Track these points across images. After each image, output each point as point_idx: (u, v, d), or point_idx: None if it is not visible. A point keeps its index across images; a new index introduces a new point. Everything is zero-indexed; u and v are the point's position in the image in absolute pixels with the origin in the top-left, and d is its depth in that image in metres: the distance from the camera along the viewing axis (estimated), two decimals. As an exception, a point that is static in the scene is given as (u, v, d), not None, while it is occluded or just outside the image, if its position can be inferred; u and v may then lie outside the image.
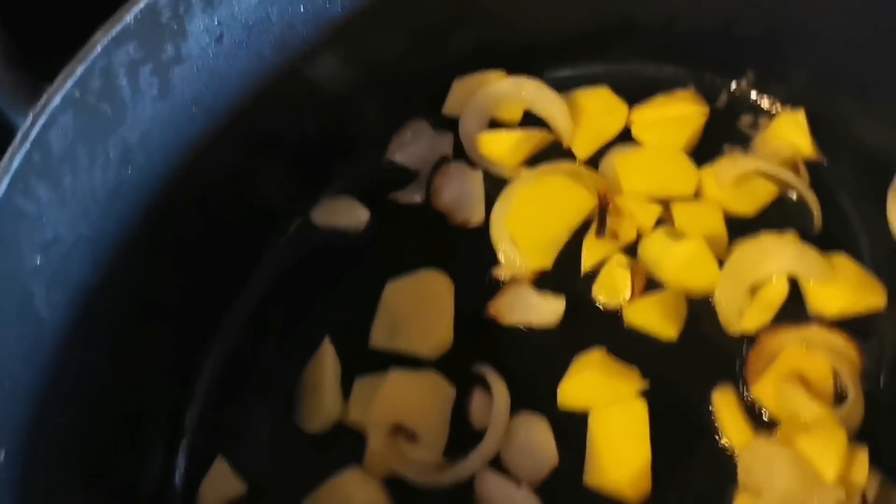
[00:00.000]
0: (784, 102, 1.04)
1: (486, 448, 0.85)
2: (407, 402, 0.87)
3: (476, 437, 0.87)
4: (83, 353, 0.77)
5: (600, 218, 0.96)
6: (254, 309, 0.97)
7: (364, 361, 0.92)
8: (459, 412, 0.89)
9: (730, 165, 0.97)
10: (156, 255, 0.84)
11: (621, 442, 0.85)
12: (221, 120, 0.85)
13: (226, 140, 0.87)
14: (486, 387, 0.89)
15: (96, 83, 0.71)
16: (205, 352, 0.94)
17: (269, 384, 0.93)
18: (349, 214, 1.02)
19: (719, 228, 0.95)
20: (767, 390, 0.86)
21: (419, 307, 0.94)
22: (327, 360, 0.91)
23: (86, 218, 0.73)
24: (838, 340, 0.87)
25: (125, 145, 0.75)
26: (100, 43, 0.70)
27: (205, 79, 0.81)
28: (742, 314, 0.91)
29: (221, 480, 0.87)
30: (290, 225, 1.02)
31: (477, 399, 0.89)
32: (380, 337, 0.93)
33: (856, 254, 0.93)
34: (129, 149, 0.75)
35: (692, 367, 0.90)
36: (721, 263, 0.92)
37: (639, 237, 0.97)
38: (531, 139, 1.02)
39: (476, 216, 1.00)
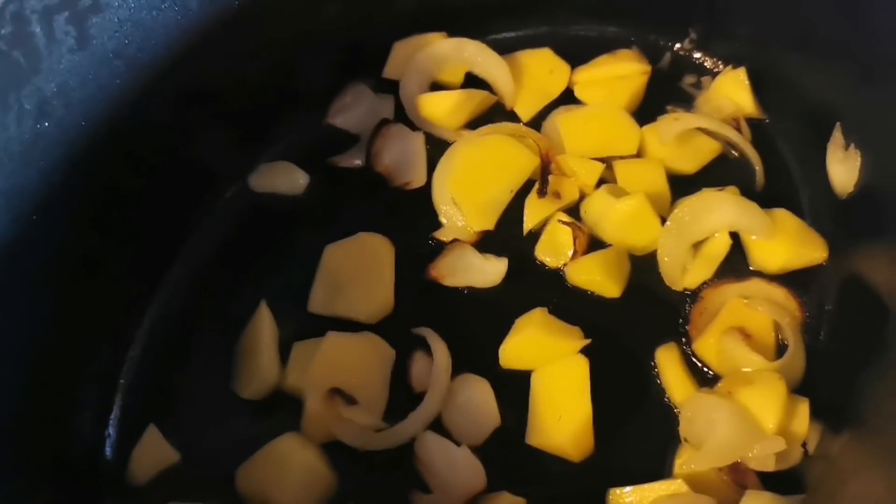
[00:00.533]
0: (726, 61, 1.04)
1: (426, 410, 0.84)
2: (345, 364, 0.85)
3: (417, 399, 0.85)
4: (6, 312, 0.73)
5: (542, 178, 0.95)
6: (190, 273, 0.95)
7: (304, 327, 0.90)
8: (400, 376, 0.87)
9: (671, 123, 0.97)
10: (84, 211, 0.81)
11: (563, 400, 0.84)
12: (148, 75, 0.82)
13: (155, 96, 0.84)
14: (428, 350, 0.87)
15: (7, 29, 0.68)
16: (139, 315, 0.91)
17: (205, 350, 0.90)
18: (288, 178, 1.00)
19: (662, 186, 0.95)
20: (710, 345, 0.85)
21: (359, 271, 0.92)
22: (264, 324, 0.89)
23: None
24: (779, 294, 0.87)
25: (41, 96, 0.72)
26: (9, -13, 0.67)
27: (127, 30, 0.78)
28: (685, 270, 0.90)
29: (154, 449, 0.84)
30: (227, 188, 1.00)
31: (418, 362, 0.88)
32: (319, 302, 0.91)
33: (797, 208, 0.93)
34: (46, 100, 0.72)
35: (636, 325, 0.89)
36: (664, 221, 0.91)
37: (581, 197, 0.96)
38: (472, 100, 1.01)
39: (417, 179, 0.99)
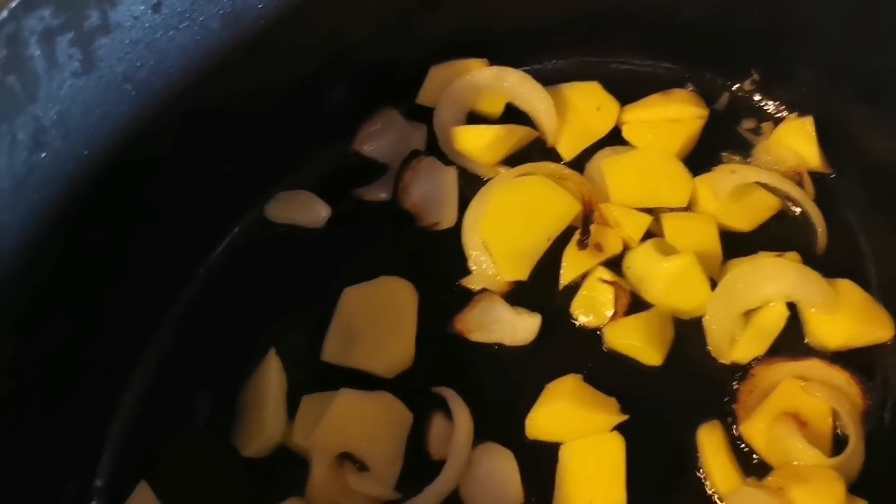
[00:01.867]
0: (790, 107, 0.97)
1: (443, 483, 0.77)
2: (357, 427, 0.79)
3: (434, 468, 0.79)
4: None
5: (584, 227, 0.89)
6: (194, 311, 0.89)
7: (314, 376, 0.84)
8: (417, 439, 0.81)
9: (727, 175, 0.90)
10: (79, 249, 0.75)
11: (594, 480, 0.78)
12: (160, 99, 0.76)
13: (165, 122, 0.78)
14: (448, 412, 0.81)
15: (1, 52, 0.61)
16: (134, 360, 0.85)
17: (204, 400, 0.84)
18: (308, 210, 0.94)
19: (713, 244, 0.88)
20: (759, 430, 0.78)
21: (378, 318, 0.86)
22: (272, 375, 0.83)
23: (-16, 209, 0.64)
24: (840, 378, 0.80)
25: (38, 126, 0.66)
26: (6, 7, 0.60)
27: (139, 52, 0.72)
28: (734, 342, 0.83)
29: (144, 508, 0.78)
30: (240, 219, 0.93)
31: (436, 425, 0.81)
32: (333, 350, 0.85)
33: (862, 279, 0.86)
34: (43, 130, 0.66)
35: (677, 398, 0.83)
36: (713, 284, 0.85)
37: (625, 250, 0.89)
38: (512, 135, 0.94)
39: (447, 218, 0.92)
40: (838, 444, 0.78)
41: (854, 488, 0.75)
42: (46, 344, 0.75)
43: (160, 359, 0.86)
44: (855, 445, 0.76)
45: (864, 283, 0.85)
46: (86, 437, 0.80)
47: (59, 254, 0.73)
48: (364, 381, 0.83)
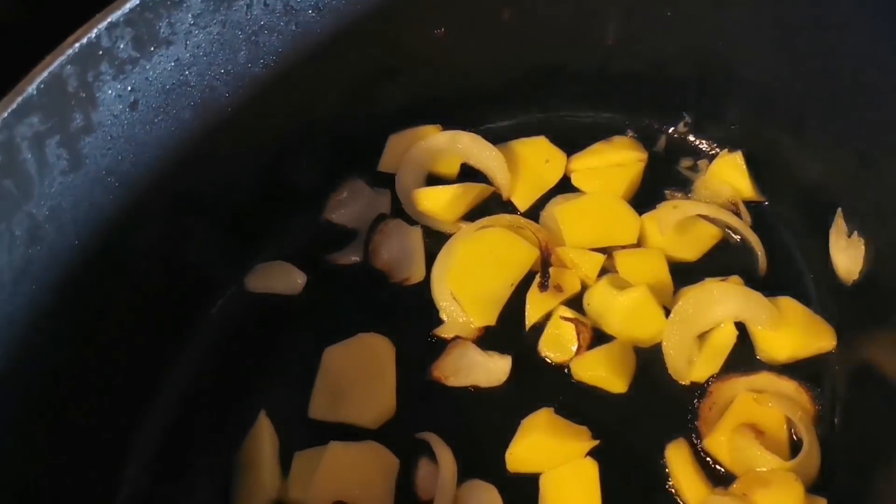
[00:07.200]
0: (722, 144, 1.04)
1: (433, 520, 0.81)
2: (349, 475, 0.83)
3: (423, 508, 0.83)
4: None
5: (543, 270, 0.94)
6: (186, 384, 0.92)
7: (304, 432, 0.88)
8: (405, 483, 0.85)
9: (671, 210, 0.96)
10: (75, 331, 0.79)
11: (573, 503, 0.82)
12: (142, 188, 0.81)
13: (148, 209, 0.83)
14: (432, 455, 0.85)
15: (-3, 159, 0.67)
16: (134, 433, 0.88)
17: (203, 463, 0.87)
18: (285, 279, 0.98)
19: (663, 275, 0.94)
20: (721, 442, 0.83)
21: (360, 374, 0.90)
22: (264, 435, 0.87)
23: (-12, 302, 0.68)
24: (789, 387, 0.85)
25: (33, 222, 0.70)
26: (-1, 117, 0.66)
27: (120, 147, 0.77)
28: (691, 363, 0.89)
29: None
30: (223, 292, 0.98)
31: (423, 468, 0.85)
32: (319, 407, 0.89)
33: (802, 294, 0.92)
34: (38, 225, 0.71)
35: (643, 421, 0.87)
36: (667, 312, 0.90)
37: (583, 288, 0.95)
38: (469, 192, 1.00)
39: (416, 274, 0.98)
40: (795, 449, 0.83)
41: (813, 489, 0.80)
42: (52, 427, 0.79)
43: (156, 428, 0.89)
44: (809, 448, 0.81)
45: (804, 299, 0.91)
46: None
47: (56, 341, 0.77)
48: (350, 433, 0.86)
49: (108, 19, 0.72)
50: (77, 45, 0.70)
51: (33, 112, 0.68)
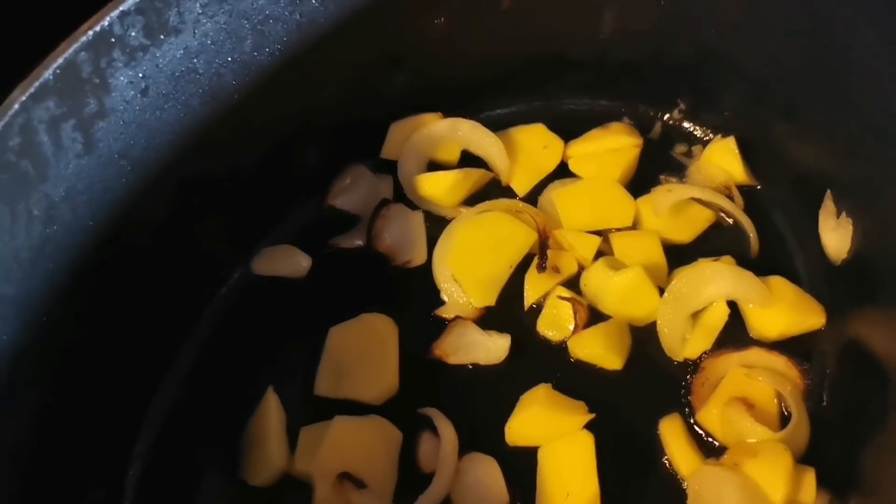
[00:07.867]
0: (716, 130, 1.07)
1: (434, 491, 0.84)
2: (353, 449, 0.86)
3: (425, 480, 0.85)
4: (13, 413, 0.74)
5: (541, 253, 0.97)
6: (195, 362, 0.95)
7: (310, 409, 0.90)
8: (408, 456, 0.88)
9: (665, 194, 0.99)
10: (89, 310, 0.82)
11: (570, 477, 0.84)
12: (152, 172, 0.84)
13: (158, 192, 0.86)
14: (435, 429, 0.88)
15: (15, 140, 0.69)
16: (144, 408, 0.91)
17: (212, 439, 0.90)
18: (290, 262, 1.01)
19: (658, 257, 0.96)
20: (713, 416, 0.86)
21: (364, 352, 0.93)
22: (271, 410, 0.89)
23: (9, 279, 0.71)
24: (780, 363, 0.88)
25: (49, 202, 0.73)
26: (17, 100, 0.69)
27: (132, 132, 0.80)
28: (685, 340, 0.91)
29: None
30: (231, 275, 1.01)
31: (425, 442, 0.88)
32: (325, 385, 0.92)
33: (792, 274, 0.95)
34: (54, 205, 0.74)
35: (639, 396, 0.90)
36: (662, 291, 0.93)
37: (580, 270, 0.97)
38: (469, 178, 1.03)
39: (418, 257, 1.00)
40: (785, 422, 0.85)
41: (802, 461, 0.82)
42: (67, 402, 0.82)
43: (167, 405, 0.92)
44: (798, 419, 0.83)
45: (794, 279, 0.94)
46: (99, 483, 0.87)
47: (72, 318, 0.80)
48: (355, 409, 0.89)
49: (120, 8, 0.75)
50: (90, 32, 0.73)
51: (49, 96, 0.71)
